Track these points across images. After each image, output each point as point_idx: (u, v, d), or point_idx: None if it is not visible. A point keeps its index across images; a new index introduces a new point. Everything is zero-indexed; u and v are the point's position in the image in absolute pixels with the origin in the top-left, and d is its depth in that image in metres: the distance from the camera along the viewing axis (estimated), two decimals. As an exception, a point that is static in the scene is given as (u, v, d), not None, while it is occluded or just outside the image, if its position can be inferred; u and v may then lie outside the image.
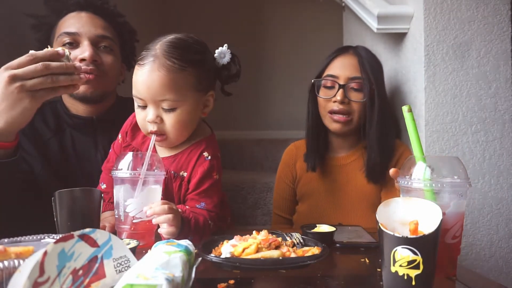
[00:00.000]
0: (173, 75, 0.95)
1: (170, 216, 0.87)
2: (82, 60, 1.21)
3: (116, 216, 0.94)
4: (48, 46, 0.97)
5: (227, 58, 1.07)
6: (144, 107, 0.99)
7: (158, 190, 0.96)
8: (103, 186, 1.15)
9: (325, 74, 1.33)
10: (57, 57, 0.92)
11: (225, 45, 1.07)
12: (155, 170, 0.94)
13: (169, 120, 0.98)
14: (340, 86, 1.27)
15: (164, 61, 0.95)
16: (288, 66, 2.95)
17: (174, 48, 0.97)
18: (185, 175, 1.04)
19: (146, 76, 0.95)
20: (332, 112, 1.28)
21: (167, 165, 1.04)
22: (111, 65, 1.27)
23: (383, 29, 1.41)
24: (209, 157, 1.04)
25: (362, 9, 1.53)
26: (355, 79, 1.28)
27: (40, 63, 0.88)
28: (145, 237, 0.92)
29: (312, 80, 1.35)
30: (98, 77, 1.23)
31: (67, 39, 1.23)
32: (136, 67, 0.99)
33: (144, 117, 0.99)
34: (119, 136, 1.15)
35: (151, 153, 0.95)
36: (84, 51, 1.21)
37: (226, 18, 2.88)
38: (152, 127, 0.98)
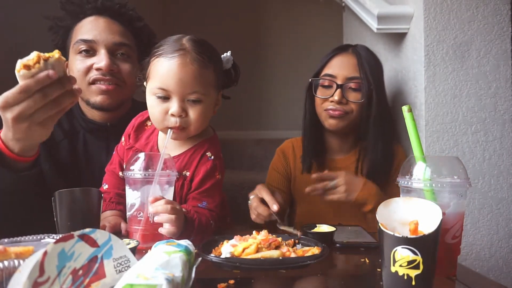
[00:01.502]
0: (203, 69, 0.99)
1: (173, 217, 0.87)
2: (98, 69, 1.19)
3: (141, 218, 0.93)
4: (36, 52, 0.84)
5: (229, 64, 1.11)
6: (165, 99, 0.99)
7: (172, 190, 0.99)
8: (105, 187, 1.16)
9: (323, 73, 1.32)
10: (48, 80, 0.82)
11: (229, 51, 1.10)
12: (167, 170, 0.96)
13: (194, 112, 1.00)
14: (338, 86, 1.26)
15: (195, 55, 0.98)
16: (288, 67, 2.95)
17: (200, 45, 1.01)
18: (187, 175, 1.05)
19: (179, 68, 0.97)
20: (329, 109, 1.28)
21: None
22: (128, 73, 1.25)
23: (383, 29, 1.41)
24: (212, 157, 1.06)
25: (362, 9, 1.54)
26: (353, 79, 1.26)
27: (37, 94, 0.82)
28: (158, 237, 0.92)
29: (310, 79, 1.34)
30: (116, 87, 1.22)
31: (83, 47, 1.20)
32: (161, 59, 0.98)
33: (164, 109, 0.99)
34: (122, 139, 1.16)
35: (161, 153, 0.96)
36: (101, 60, 1.19)
37: (226, 19, 2.88)
38: (175, 121, 0.99)
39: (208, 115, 1.05)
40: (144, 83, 1.08)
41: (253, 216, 1.13)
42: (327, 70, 1.31)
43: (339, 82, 1.26)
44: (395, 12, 1.39)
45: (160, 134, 1.11)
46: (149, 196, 0.92)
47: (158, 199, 0.89)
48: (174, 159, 1.06)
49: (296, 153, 1.41)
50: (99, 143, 1.28)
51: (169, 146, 1.08)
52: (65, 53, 1.27)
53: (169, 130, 0.99)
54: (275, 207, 1.05)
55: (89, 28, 1.22)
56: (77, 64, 1.21)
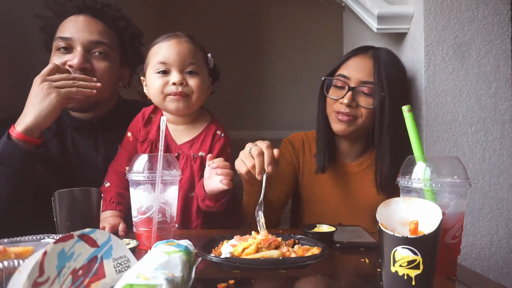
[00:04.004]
0: (196, 47, 1.16)
1: (231, 171, 1.03)
2: (70, 66, 1.21)
3: (159, 219, 0.92)
4: None
5: (212, 64, 1.24)
6: (165, 73, 1.12)
7: (177, 189, 0.99)
8: (107, 184, 1.17)
9: (338, 72, 1.27)
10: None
11: (209, 54, 1.23)
12: (174, 170, 0.96)
13: (193, 82, 1.13)
14: (350, 89, 1.21)
15: (187, 38, 1.16)
16: (288, 66, 2.95)
17: (189, 35, 1.18)
18: (203, 155, 1.14)
19: (176, 44, 1.13)
20: (338, 112, 1.24)
21: (185, 149, 1.17)
22: (103, 72, 1.25)
23: (383, 29, 1.40)
24: (223, 134, 1.20)
25: (362, 9, 1.54)
26: (367, 84, 1.21)
27: (65, 74, 1.12)
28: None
29: (323, 78, 1.30)
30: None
31: (61, 44, 1.23)
32: (159, 44, 1.14)
33: (164, 82, 1.12)
34: (128, 134, 1.20)
35: (166, 153, 0.96)
36: (74, 57, 1.21)
37: (226, 19, 2.88)
38: (176, 89, 1.11)
39: (205, 89, 1.18)
40: (143, 77, 1.20)
41: (240, 165, 1.02)
42: (342, 70, 1.26)
43: (352, 85, 1.22)
44: (395, 12, 1.39)
45: (170, 125, 1.20)
46: (155, 197, 0.92)
47: (213, 157, 1.05)
48: (188, 144, 1.18)
49: (305, 149, 1.36)
50: (87, 140, 1.30)
51: (180, 135, 1.19)
52: (51, 50, 1.29)
53: (162, 119, 0.97)
54: (269, 168, 0.97)
55: (69, 26, 1.25)
56: (54, 60, 1.23)
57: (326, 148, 1.30)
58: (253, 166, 0.98)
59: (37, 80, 1.08)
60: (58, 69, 1.13)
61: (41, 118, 1.05)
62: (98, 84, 1.15)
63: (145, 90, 1.21)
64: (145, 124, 1.21)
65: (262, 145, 0.99)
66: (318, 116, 1.33)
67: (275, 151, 0.98)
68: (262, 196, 0.97)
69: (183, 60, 1.12)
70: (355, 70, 1.24)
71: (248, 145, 1.02)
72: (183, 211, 1.16)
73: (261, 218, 0.93)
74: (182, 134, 1.19)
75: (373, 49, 1.27)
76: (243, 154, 1.03)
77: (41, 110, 1.05)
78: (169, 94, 1.12)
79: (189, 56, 1.13)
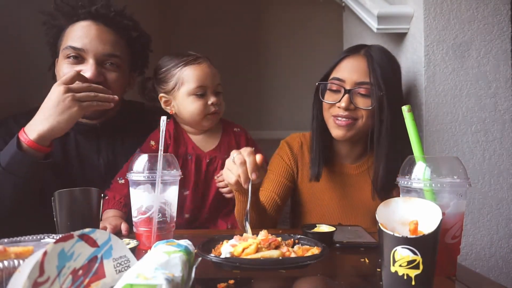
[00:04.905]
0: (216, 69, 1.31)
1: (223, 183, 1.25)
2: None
3: (160, 219, 0.93)
4: None
5: None
6: (202, 95, 1.25)
7: (177, 189, 0.99)
8: (121, 181, 1.19)
9: (331, 76, 1.24)
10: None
11: None
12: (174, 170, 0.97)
13: (221, 101, 1.30)
14: (346, 91, 1.18)
15: (208, 61, 1.29)
16: (288, 66, 2.95)
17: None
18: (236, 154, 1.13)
19: (209, 69, 1.27)
20: (336, 116, 1.21)
21: (218, 154, 1.29)
22: (114, 82, 1.23)
23: (383, 29, 1.40)
24: (239, 129, 1.36)
25: (362, 9, 1.54)
26: (363, 84, 1.18)
27: (85, 83, 1.10)
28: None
29: (317, 83, 1.27)
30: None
31: (72, 53, 1.18)
32: (190, 67, 1.24)
33: (203, 103, 1.25)
34: (152, 142, 1.25)
35: (166, 153, 0.96)
36: (87, 70, 1.17)
37: (225, 19, 2.88)
38: (214, 108, 1.26)
39: None
40: (162, 95, 1.28)
41: (228, 175, 0.99)
42: (336, 74, 1.23)
43: (347, 87, 1.18)
44: (395, 12, 1.39)
45: (192, 136, 1.30)
46: (156, 196, 0.92)
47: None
48: (215, 150, 1.30)
49: (304, 151, 1.34)
50: (90, 143, 1.29)
51: (202, 142, 1.31)
52: (55, 50, 1.27)
53: (162, 120, 0.97)
54: (253, 176, 0.94)
55: (81, 35, 1.20)
56: (63, 69, 1.19)
57: (320, 156, 1.27)
58: (239, 175, 0.95)
59: (59, 88, 1.04)
60: (78, 77, 1.10)
61: (57, 129, 1.04)
62: (116, 97, 1.14)
63: (165, 107, 1.29)
64: (175, 139, 1.29)
65: (244, 152, 0.96)
66: (312, 122, 1.30)
67: (258, 157, 0.95)
68: (248, 205, 0.95)
69: (215, 82, 1.27)
70: (349, 72, 1.20)
71: (233, 153, 0.99)
72: (214, 210, 1.30)
73: (247, 228, 0.90)
74: (204, 141, 1.31)
75: (365, 47, 1.24)
76: (228, 163, 0.99)
77: (60, 121, 1.03)
78: (209, 114, 1.25)
79: (217, 78, 1.28)
